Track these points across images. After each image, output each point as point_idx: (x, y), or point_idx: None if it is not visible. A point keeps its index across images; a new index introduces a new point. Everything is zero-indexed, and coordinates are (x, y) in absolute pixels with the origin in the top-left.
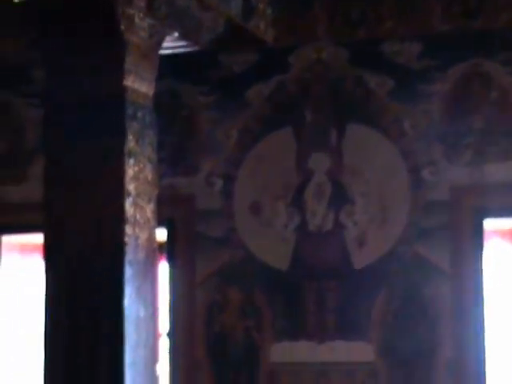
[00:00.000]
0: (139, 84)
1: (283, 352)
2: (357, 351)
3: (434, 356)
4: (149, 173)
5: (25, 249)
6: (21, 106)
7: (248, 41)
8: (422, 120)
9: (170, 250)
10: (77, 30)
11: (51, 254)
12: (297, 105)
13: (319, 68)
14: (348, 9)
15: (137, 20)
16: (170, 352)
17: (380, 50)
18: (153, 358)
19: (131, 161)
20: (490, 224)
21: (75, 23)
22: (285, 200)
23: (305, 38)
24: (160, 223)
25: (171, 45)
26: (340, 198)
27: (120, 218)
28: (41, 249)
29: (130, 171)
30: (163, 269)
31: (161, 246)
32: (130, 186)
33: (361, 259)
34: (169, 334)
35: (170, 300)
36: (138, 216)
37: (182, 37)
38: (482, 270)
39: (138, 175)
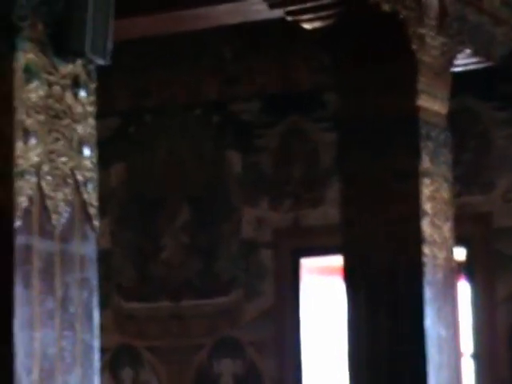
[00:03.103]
0: (432, 103)
1: None
2: None
3: None
4: (444, 192)
5: (323, 271)
6: (314, 130)
7: None
8: None
9: (469, 269)
10: (368, 52)
11: (351, 275)
12: None
13: None
14: None
15: (428, 39)
16: (475, 374)
17: None
18: (457, 380)
19: (427, 180)
20: None
21: (367, 46)
22: None
23: None
24: (457, 242)
25: (463, 62)
26: None
27: (418, 239)
28: (339, 271)
29: (425, 191)
30: (463, 288)
31: (459, 265)
32: (427, 206)
33: None
34: (473, 356)
35: (472, 320)
36: (435, 236)
37: (474, 53)
38: None
39: (434, 194)
